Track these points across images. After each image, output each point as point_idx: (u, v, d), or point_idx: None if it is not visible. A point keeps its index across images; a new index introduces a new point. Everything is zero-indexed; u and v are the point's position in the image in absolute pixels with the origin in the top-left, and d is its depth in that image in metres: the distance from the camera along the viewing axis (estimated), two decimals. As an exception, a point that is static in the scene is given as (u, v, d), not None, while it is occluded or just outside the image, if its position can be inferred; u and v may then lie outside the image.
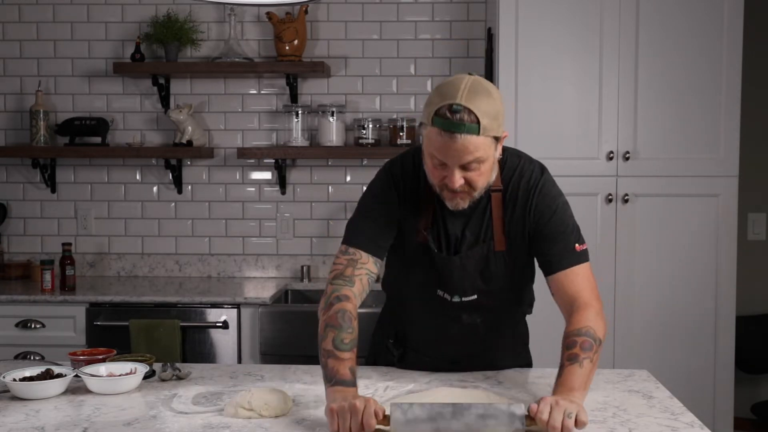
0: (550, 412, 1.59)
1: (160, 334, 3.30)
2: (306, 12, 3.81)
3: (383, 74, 3.95)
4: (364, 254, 1.93)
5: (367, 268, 1.92)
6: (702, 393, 3.36)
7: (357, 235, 1.96)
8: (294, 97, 3.90)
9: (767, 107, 4.10)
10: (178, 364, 2.08)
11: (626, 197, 3.37)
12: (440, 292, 2.02)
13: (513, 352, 2.22)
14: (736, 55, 3.35)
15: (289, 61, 3.78)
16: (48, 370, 1.95)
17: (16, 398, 1.88)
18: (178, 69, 3.85)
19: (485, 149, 1.79)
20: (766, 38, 4.05)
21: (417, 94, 3.94)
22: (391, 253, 2.04)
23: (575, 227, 1.98)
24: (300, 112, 3.85)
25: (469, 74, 1.84)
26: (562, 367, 1.78)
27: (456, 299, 2.02)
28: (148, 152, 3.88)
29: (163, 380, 2.03)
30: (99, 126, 3.86)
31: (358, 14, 3.94)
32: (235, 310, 3.40)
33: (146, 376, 1.99)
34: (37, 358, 3.37)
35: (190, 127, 3.83)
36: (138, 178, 4.03)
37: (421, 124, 1.88)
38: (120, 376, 1.93)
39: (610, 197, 3.38)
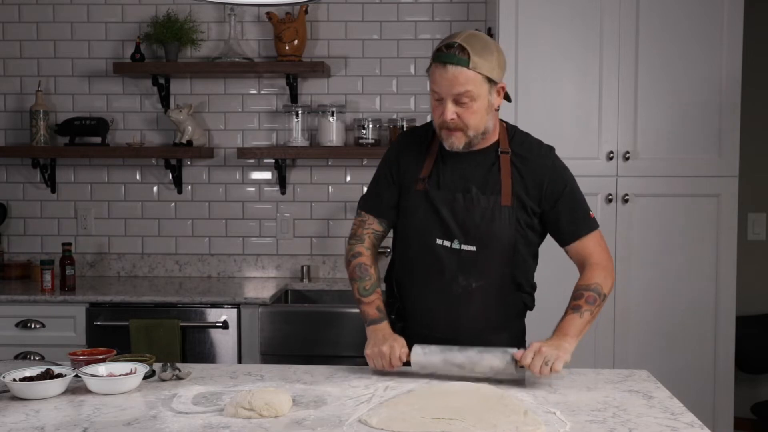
0: (533, 358, 1.92)
1: (160, 334, 3.30)
2: (306, 12, 3.81)
3: (383, 74, 3.95)
4: (369, 216, 2.25)
5: (373, 227, 2.25)
6: (702, 393, 3.36)
7: (365, 199, 2.28)
8: (294, 97, 3.90)
9: (767, 107, 4.10)
10: (178, 364, 2.08)
11: (626, 197, 3.37)
12: (440, 241, 2.13)
13: (512, 343, 2.20)
14: (736, 55, 3.35)
15: (289, 61, 3.78)
16: (48, 370, 1.95)
17: (16, 398, 1.88)
18: (178, 69, 3.85)
19: (476, 85, 2.01)
20: (766, 38, 4.05)
21: (417, 94, 3.94)
22: (403, 212, 2.21)
23: (584, 198, 2.21)
24: (300, 112, 3.85)
25: (477, 30, 2.11)
26: (565, 314, 2.08)
27: (455, 246, 2.11)
28: (148, 152, 3.88)
29: (163, 380, 2.03)
30: (99, 126, 3.86)
31: (358, 14, 3.94)
32: (235, 310, 3.40)
33: (146, 376, 1.99)
34: (37, 358, 3.37)
35: (190, 127, 3.83)
36: (138, 178, 4.03)
37: (428, 71, 2.09)
38: (120, 376, 1.93)
39: (610, 197, 3.38)
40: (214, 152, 3.98)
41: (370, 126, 3.80)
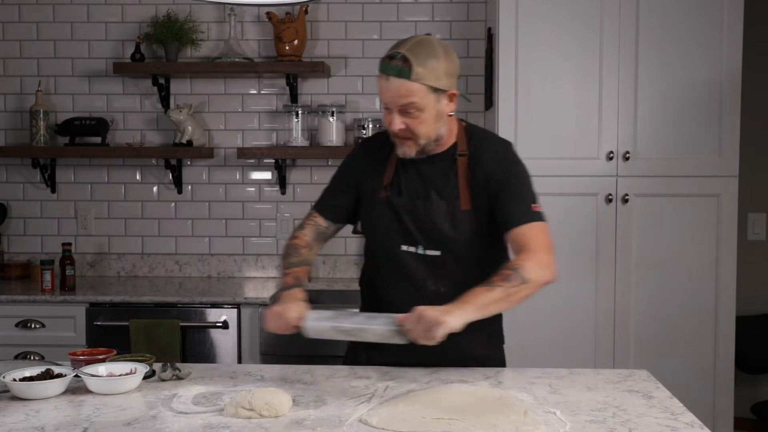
0: (414, 324, 1.82)
1: (160, 334, 3.30)
2: (306, 12, 3.81)
3: (383, 74, 3.94)
4: (316, 213, 2.27)
5: (316, 221, 2.26)
6: (702, 393, 3.36)
7: (318, 199, 2.30)
8: (294, 97, 3.90)
9: (767, 107, 4.10)
10: (178, 364, 2.08)
11: (626, 197, 3.37)
12: (404, 247, 2.12)
13: (484, 345, 2.21)
14: (736, 55, 3.35)
15: (289, 61, 3.78)
16: (48, 370, 1.95)
17: (16, 398, 1.87)
18: (178, 69, 3.85)
19: (420, 96, 1.99)
20: (766, 38, 4.05)
21: (417, 94, 3.94)
22: (367, 219, 2.20)
23: (534, 193, 2.11)
24: (300, 112, 3.85)
25: (428, 35, 2.11)
26: (476, 288, 1.92)
27: (420, 251, 2.10)
28: (148, 152, 3.88)
29: (163, 380, 2.02)
30: (99, 126, 3.86)
31: (358, 14, 3.94)
32: (235, 310, 3.40)
33: (146, 376, 1.99)
34: (37, 358, 3.37)
35: (190, 127, 3.83)
36: (138, 178, 4.03)
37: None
38: (120, 376, 1.93)
39: (610, 197, 3.38)
40: (214, 152, 3.98)
41: (370, 126, 3.80)
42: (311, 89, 3.96)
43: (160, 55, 3.93)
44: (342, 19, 3.94)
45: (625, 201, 3.38)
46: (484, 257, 2.12)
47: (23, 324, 3.44)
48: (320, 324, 1.93)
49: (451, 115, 2.09)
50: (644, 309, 3.40)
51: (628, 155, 3.37)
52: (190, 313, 3.40)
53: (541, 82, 3.38)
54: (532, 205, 2.08)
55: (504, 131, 3.38)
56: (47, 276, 3.55)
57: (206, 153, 3.91)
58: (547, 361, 3.29)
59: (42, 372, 1.94)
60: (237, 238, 4.02)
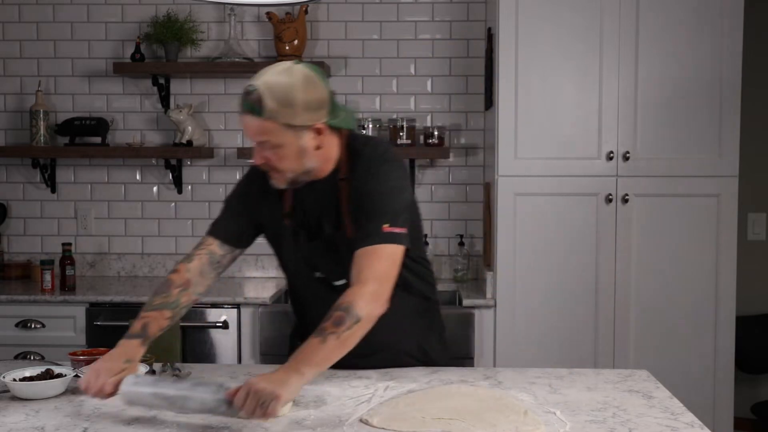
0: (246, 400, 1.62)
1: (160, 334, 3.29)
2: (306, 12, 3.81)
3: (383, 74, 3.95)
4: (210, 238, 2.15)
5: (210, 249, 2.13)
6: (702, 393, 3.36)
7: (212, 224, 2.19)
8: (294, 97, 3.89)
9: (767, 107, 4.10)
10: (178, 364, 2.08)
11: (626, 197, 3.37)
12: (317, 274, 2.09)
13: (422, 345, 2.20)
14: (736, 55, 3.35)
15: (289, 61, 3.77)
16: (48, 370, 1.95)
17: (16, 398, 1.87)
18: (178, 69, 3.85)
19: (275, 134, 1.88)
20: (766, 38, 4.05)
21: (417, 94, 3.94)
22: (276, 246, 2.15)
23: (397, 210, 1.94)
24: (300, 112, 3.84)
25: (296, 62, 1.94)
26: (308, 338, 1.78)
27: (330, 280, 2.07)
28: (148, 152, 3.88)
29: (163, 380, 2.02)
30: (99, 126, 3.86)
31: (358, 14, 3.94)
32: (235, 310, 3.40)
33: (146, 376, 1.99)
34: (37, 358, 3.36)
35: (190, 127, 3.83)
36: (138, 178, 4.03)
37: None
38: (120, 376, 1.93)
39: (610, 197, 3.38)
40: (214, 152, 3.98)
41: (370, 126, 3.79)
42: (311, 89, 3.96)
43: (160, 55, 3.93)
44: (342, 19, 3.95)
45: (625, 201, 3.38)
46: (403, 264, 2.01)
47: (23, 324, 3.44)
48: (138, 389, 1.73)
49: (319, 149, 1.95)
50: (644, 309, 3.40)
51: (628, 155, 3.37)
52: (190, 313, 3.38)
53: (541, 82, 3.38)
54: (384, 226, 1.90)
55: (504, 131, 3.39)
56: (47, 276, 3.55)
57: (206, 153, 3.91)
58: (547, 361, 3.30)
59: (42, 372, 1.94)
60: (237, 238, 4.01)
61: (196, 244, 2.18)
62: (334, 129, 1.99)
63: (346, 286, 1.93)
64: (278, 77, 1.88)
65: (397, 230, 1.92)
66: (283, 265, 2.18)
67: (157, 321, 2.00)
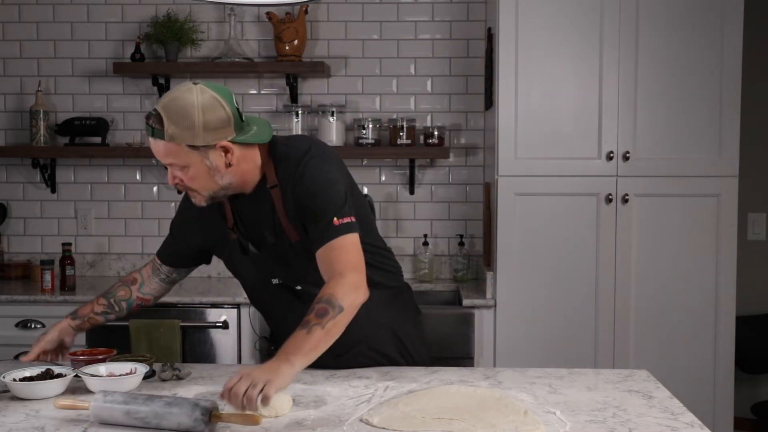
0: (238, 381, 1.65)
1: (160, 334, 3.30)
2: (306, 12, 3.81)
3: (383, 74, 3.95)
4: (158, 260, 2.33)
5: (159, 267, 2.32)
6: (702, 393, 3.36)
7: (160, 247, 2.35)
8: (294, 97, 3.90)
9: (767, 107, 4.10)
10: (178, 364, 2.08)
11: (626, 197, 3.37)
12: (275, 281, 2.10)
13: (397, 333, 2.20)
14: (736, 54, 3.35)
15: (289, 61, 3.78)
16: (48, 370, 1.95)
17: (16, 398, 1.88)
18: (178, 69, 3.85)
19: (178, 156, 1.91)
20: (766, 38, 4.05)
21: (417, 94, 3.94)
22: (229, 261, 2.18)
23: (339, 202, 1.97)
24: (300, 112, 3.85)
25: (194, 83, 1.93)
26: (294, 332, 1.81)
27: (291, 286, 2.08)
28: (148, 152, 3.82)
29: (163, 380, 2.03)
30: (99, 126, 3.86)
31: (358, 14, 3.94)
32: (235, 310, 3.40)
33: (146, 376, 1.99)
34: (37, 358, 3.36)
35: (190, 127, 3.83)
36: (138, 178, 4.03)
37: None
38: (120, 376, 1.93)
39: (610, 197, 3.38)
40: (214, 152, 3.97)
41: (370, 126, 3.80)
42: (311, 89, 3.96)
43: (160, 55, 3.93)
44: (342, 19, 3.94)
45: (625, 201, 3.38)
46: None
47: (23, 324, 3.44)
48: (110, 407, 1.69)
49: (230, 166, 1.95)
50: (644, 309, 3.40)
51: (628, 155, 3.37)
52: (190, 313, 3.40)
53: (541, 82, 3.38)
54: (334, 219, 1.93)
55: (504, 131, 3.39)
56: (47, 276, 3.55)
57: (206, 153, 3.91)
58: (547, 361, 3.30)
59: (42, 372, 1.94)
60: (237, 238, 4.01)
61: (149, 261, 2.37)
62: (244, 145, 1.97)
63: (306, 290, 2.01)
64: (177, 101, 1.89)
65: (346, 220, 1.95)
66: (240, 276, 2.19)
67: (91, 305, 2.26)
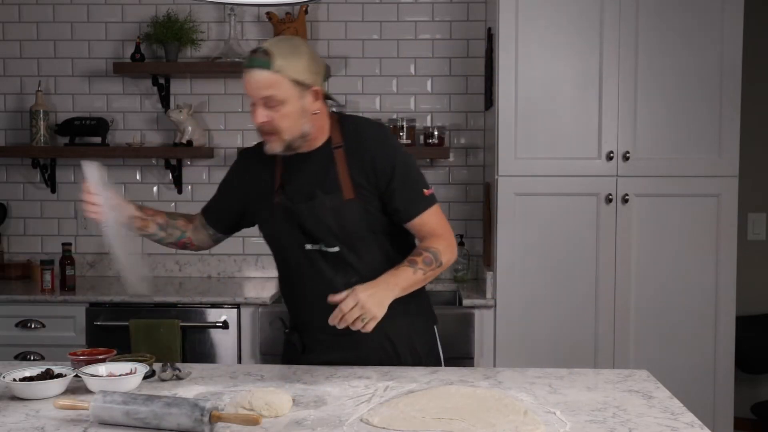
0: (351, 309, 1.89)
1: (160, 334, 3.30)
2: (306, 12, 3.81)
3: (383, 74, 3.95)
4: (201, 216, 2.38)
5: (201, 220, 2.37)
6: (702, 393, 3.36)
7: (206, 204, 2.38)
8: (294, 97, 3.90)
9: (767, 107, 4.10)
10: (178, 364, 2.08)
11: (626, 197, 3.37)
12: (308, 246, 2.13)
13: (414, 335, 2.23)
14: (736, 55, 3.35)
15: (289, 61, 3.77)
16: (48, 370, 1.95)
17: (16, 398, 1.87)
18: (178, 69, 3.85)
19: (281, 89, 2.01)
20: (766, 38, 4.05)
21: (417, 94, 3.94)
22: (267, 227, 2.22)
23: (420, 175, 2.16)
24: (300, 112, 3.84)
25: (295, 35, 2.16)
26: (400, 264, 2.06)
27: (323, 248, 2.11)
28: (148, 152, 3.88)
29: (163, 380, 2.02)
30: (99, 126, 3.86)
31: (358, 14, 3.95)
32: (235, 310, 3.40)
33: (146, 376, 1.99)
34: (37, 358, 3.37)
35: (190, 127, 3.83)
36: (138, 178, 4.03)
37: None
38: (120, 376, 1.93)
39: (609, 197, 3.38)
40: (214, 152, 3.98)
41: (370, 126, 3.79)
42: (311, 89, 3.96)
43: (160, 55, 3.93)
44: (342, 19, 3.95)
45: (625, 201, 3.38)
46: (383, 243, 2.15)
47: (23, 324, 3.44)
48: (110, 407, 1.69)
49: (315, 114, 2.09)
50: (644, 309, 3.40)
51: (628, 155, 3.37)
52: (190, 313, 3.40)
53: (541, 82, 3.38)
54: (424, 190, 2.13)
55: (504, 131, 3.39)
56: (47, 276, 3.55)
57: (206, 153, 3.91)
58: (547, 361, 3.30)
59: (42, 372, 1.94)
60: (237, 238, 3.98)
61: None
62: (324, 101, 2.13)
63: (339, 254, 2.09)
64: (286, 40, 2.07)
65: (431, 191, 2.15)
66: (276, 241, 2.23)
67: (161, 216, 2.34)
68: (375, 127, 2.19)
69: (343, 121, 2.18)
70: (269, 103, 2.02)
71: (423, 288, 2.24)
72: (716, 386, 3.40)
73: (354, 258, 2.12)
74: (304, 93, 2.04)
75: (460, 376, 2.06)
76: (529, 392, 1.92)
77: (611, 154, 3.37)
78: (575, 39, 3.37)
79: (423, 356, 2.24)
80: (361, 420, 1.70)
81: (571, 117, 3.39)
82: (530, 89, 3.38)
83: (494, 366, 3.36)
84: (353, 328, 1.92)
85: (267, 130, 2.06)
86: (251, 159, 2.26)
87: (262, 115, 2.03)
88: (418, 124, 3.86)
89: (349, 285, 2.04)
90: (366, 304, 1.91)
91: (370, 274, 2.07)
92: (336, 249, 2.11)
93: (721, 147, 3.38)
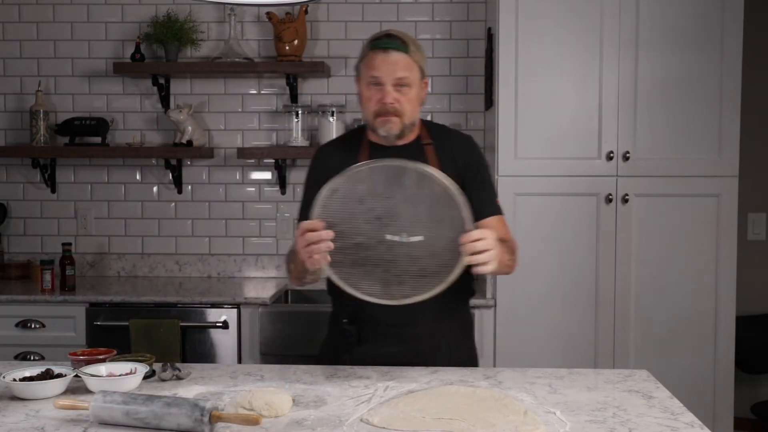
0: (487, 252, 1.87)
1: (160, 334, 3.30)
2: (306, 12, 3.81)
3: (383, 74, 3.94)
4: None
5: None
6: (702, 393, 3.36)
7: (303, 214, 2.20)
8: (294, 97, 3.90)
9: (767, 107, 4.10)
10: (178, 364, 2.08)
11: (626, 197, 3.37)
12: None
13: (460, 335, 2.29)
14: (736, 55, 3.35)
15: (289, 61, 3.78)
16: (48, 370, 1.95)
17: (16, 398, 1.88)
18: (178, 69, 3.85)
19: (412, 72, 2.13)
20: (766, 38, 4.05)
21: (417, 94, 3.94)
22: None
23: (495, 187, 2.33)
24: (300, 112, 3.85)
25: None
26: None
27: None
28: (148, 152, 3.88)
29: (163, 380, 2.03)
30: (99, 126, 3.86)
31: (358, 14, 3.95)
32: (235, 310, 3.40)
33: (146, 376, 1.99)
34: (37, 358, 3.37)
35: (190, 127, 3.83)
36: (138, 178, 4.03)
37: (356, 74, 2.23)
38: (120, 376, 1.93)
39: (610, 197, 3.38)
40: (214, 152, 3.98)
41: (370, 126, 3.79)
42: (311, 89, 3.96)
43: (160, 55, 3.93)
44: (342, 19, 3.95)
45: (625, 201, 3.38)
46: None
47: (23, 324, 3.44)
48: (110, 407, 1.69)
49: (422, 104, 2.22)
50: (644, 309, 3.40)
51: (628, 155, 3.37)
52: (190, 313, 3.40)
53: (541, 82, 3.38)
54: (496, 199, 2.26)
55: (504, 131, 3.39)
56: (47, 276, 3.55)
57: (206, 153, 3.91)
58: (547, 361, 3.30)
59: (42, 372, 1.94)
60: (237, 238, 4.02)
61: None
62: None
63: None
64: (405, 33, 2.18)
65: (499, 203, 2.27)
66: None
67: None
68: (461, 132, 2.34)
69: (428, 123, 2.31)
70: (399, 84, 2.12)
71: (467, 307, 2.36)
72: (716, 386, 3.40)
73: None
74: (421, 82, 2.18)
75: (460, 376, 2.06)
76: (529, 392, 1.92)
77: (611, 154, 3.37)
78: (575, 39, 3.37)
79: (467, 363, 2.28)
80: (361, 420, 1.70)
81: (571, 117, 3.39)
82: (530, 89, 3.38)
83: (494, 366, 3.36)
84: (473, 261, 1.88)
85: (392, 111, 2.14)
86: (332, 152, 2.30)
87: (392, 95, 2.12)
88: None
89: None
90: (495, 247, 1.90)
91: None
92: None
93: (721, 147, 3.38)
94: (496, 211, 2.23)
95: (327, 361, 2.27)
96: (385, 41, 2.14)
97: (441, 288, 1.91)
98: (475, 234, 1.88)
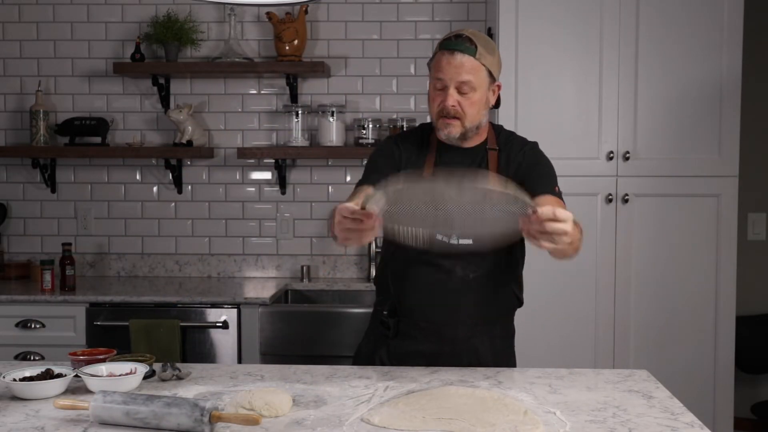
0: (559, 227, 1.71)
1: (160, 334, 3.30)
2: (306, 12, 3.81)
3: (383, 74, 3.95)
4: (365, 186, 2.12)
5: (366, 192, 2.04)
6: (702, 393, 3.36)
7: (363, 180, 2.18)
8: (294, 97, 3.90)
9: (767, 107, 4.10)
10: (178, 364, 2.08)
11: (626, 197, 3.37)
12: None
13: (498, 344, 2.27)
14: (736, 55, 3.35)
15: (289, 61, 3.78)
16: (48, 370, 1.95)
17: (16, 398, 1.87)
18: (178, 69, 3.85)
19: (478, 76, 2.09)
20: (766, 38, 4.05)
21: (417, 94, 3.94)
22: None
23: (556, 179, 2.20)
24: (300, 112, 3.85)
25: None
26: None
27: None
28: (148, 152, 3.88)
29: (163, 380, 2.02)
30: (99, 126, 3.86)
31: (358, 14, 3.95)
32: (235, 310, 3.40)
33: (146, 376, 1.99)
34: (37, 358, 3.37)
35: (190, 127, 3.83)
36: (138, 178, 4.03)
37: (430, 63, 2.16)
38: (120, 376, 1.93)
39: (610, 197, 3.38)
40: (214, 152, 3.98)
41: (370, 126, 3.80)
42: (311, 89, 3.96)
43: (160, 55, 3.93)
44: (342, 19, 3.95)
45: (625, 201, 3.38)
46: (512, 254, 2.21)
47: (23, 324, 3.44)
48: (110, 407, 1.69)
49: (489, 109, 2.18)
50: (644, 309, 3.40)
51: (628, 155, 3.37)
52: (190, 313, 3.40)
53: (541, 82, 3.39)
54: (556, 187, 2.16)
55: (504, 131, 3.39)
56: (47, 276, 3.55)
57: (206, 153, 3.91)
58: (547, 361, 3.29)
59: (42, 372, 1.94)
60: (237, 238, 4.02)
61: (352, 193, 2.13)
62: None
63: (463, 249, 2.06)
64: (479, 33, 2.12)
65: (559, 191, 2.18)
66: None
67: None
68: (529, 142, 2.25)
69: (497, 128, 2.27)
70: (462, 88, 2.08)
71: (511, 313, 2.34)
72: (716, 386, 3.40)
73: (480, 259, 2.13)
74: (490, 86, 2.13)
75: (460, 376, 2.06)
76: (529, 392, 1.92)
77: (611, 154, 3.37)
78: (575, 39, 3.37)
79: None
80: (362, 420, 1.70)
81: (571, 117, 3.39)
82: (530, 89, 3.39)
83: (494, 366, 3.35)
84: (549, 228, 1.71)
85: (453, 114, 2.10)
86: (403, 142, 2.25)
87: (454, 98, 2.09)
88: (418, 124, 3.86)
89: (466, 278, 2.12)
90: (570, 229, 1.73)
91: (489, 271, 2.14)
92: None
93: (721, 147, 3.38)
94: (555, 193, 2.14)
95: (363, 353, 2.29)
96: (453, 42, 2.09)
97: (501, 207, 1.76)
98: (547, 209, 1.72)
